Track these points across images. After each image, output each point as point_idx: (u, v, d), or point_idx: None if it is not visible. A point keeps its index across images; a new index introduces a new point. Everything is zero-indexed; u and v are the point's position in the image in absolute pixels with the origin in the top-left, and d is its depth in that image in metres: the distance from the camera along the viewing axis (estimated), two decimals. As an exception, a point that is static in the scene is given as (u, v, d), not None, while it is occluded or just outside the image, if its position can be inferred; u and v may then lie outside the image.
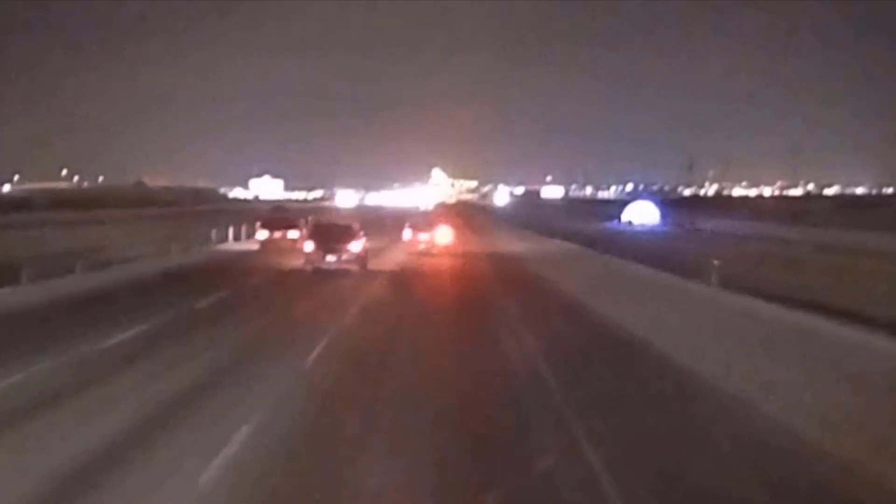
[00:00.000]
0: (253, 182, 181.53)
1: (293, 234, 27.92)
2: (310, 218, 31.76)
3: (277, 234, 28.35)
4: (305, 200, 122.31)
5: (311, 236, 21.83)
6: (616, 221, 58.63)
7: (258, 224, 30.29)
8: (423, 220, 31.51)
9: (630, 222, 57.78)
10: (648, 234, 45.42)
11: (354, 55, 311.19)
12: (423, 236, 28.12)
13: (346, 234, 21.65)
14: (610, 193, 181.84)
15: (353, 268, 20.82)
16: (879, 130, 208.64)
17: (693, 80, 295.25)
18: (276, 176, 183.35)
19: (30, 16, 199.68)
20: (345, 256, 20.88)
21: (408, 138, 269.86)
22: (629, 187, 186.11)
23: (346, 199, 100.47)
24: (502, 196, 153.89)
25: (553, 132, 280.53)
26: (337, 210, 61.15)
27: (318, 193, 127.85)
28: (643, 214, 58.84)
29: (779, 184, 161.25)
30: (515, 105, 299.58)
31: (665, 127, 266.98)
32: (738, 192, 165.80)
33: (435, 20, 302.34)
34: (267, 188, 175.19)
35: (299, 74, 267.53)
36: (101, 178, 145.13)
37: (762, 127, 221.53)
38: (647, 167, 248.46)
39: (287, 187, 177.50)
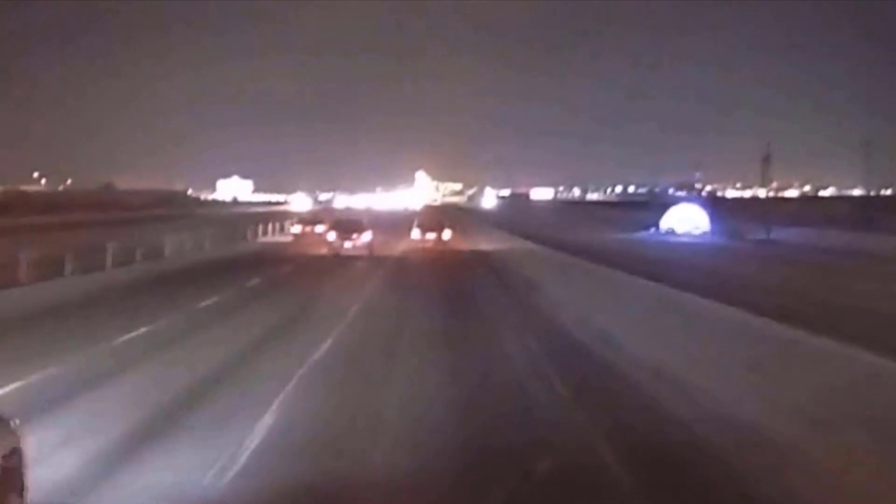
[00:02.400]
0: (221, 183, 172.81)
1: (319, 228, 34.12)
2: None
3: (308, 229, 35.97)
4: (269, 202, 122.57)
5: (332, 228, 29.38)
6: (653, 230, 48.91)
7: (294, 221, 40.71)
8: (427, 221, 34.66)
9: (672, 230, 47.95)
10: (718, 250, 35.75)
11: (338, 58, 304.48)
12: (430, 235, 31.09)
13: (359, 227, 29.18)
14: (598, 195, 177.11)
15: (364, 252, 27.00)
16: (869, 132, 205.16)
17: (679, 83, 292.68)
18: (245, 177, 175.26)
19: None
20: (358, 244, 27.58)
21: (392, 141, 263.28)
22: (618, 189, 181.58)
23: (300, 202, 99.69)
24: (489, 198, 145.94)
25: (538, 135, 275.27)
26: (292, 213, 60.91)
27: (297, 196, 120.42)
28: (688, 221, 47.73)
29: (773, 185, 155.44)
30: (499, 108, 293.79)
31: (651, 130, 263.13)
32: (731, 193, 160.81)
33: (418, 23, 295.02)
34: (235, 189, 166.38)
35: (282, 77, 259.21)
36: (68, 181, 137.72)
37: (750, 128, 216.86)
38: (634, 169, 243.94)
39: (259, 188, 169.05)
